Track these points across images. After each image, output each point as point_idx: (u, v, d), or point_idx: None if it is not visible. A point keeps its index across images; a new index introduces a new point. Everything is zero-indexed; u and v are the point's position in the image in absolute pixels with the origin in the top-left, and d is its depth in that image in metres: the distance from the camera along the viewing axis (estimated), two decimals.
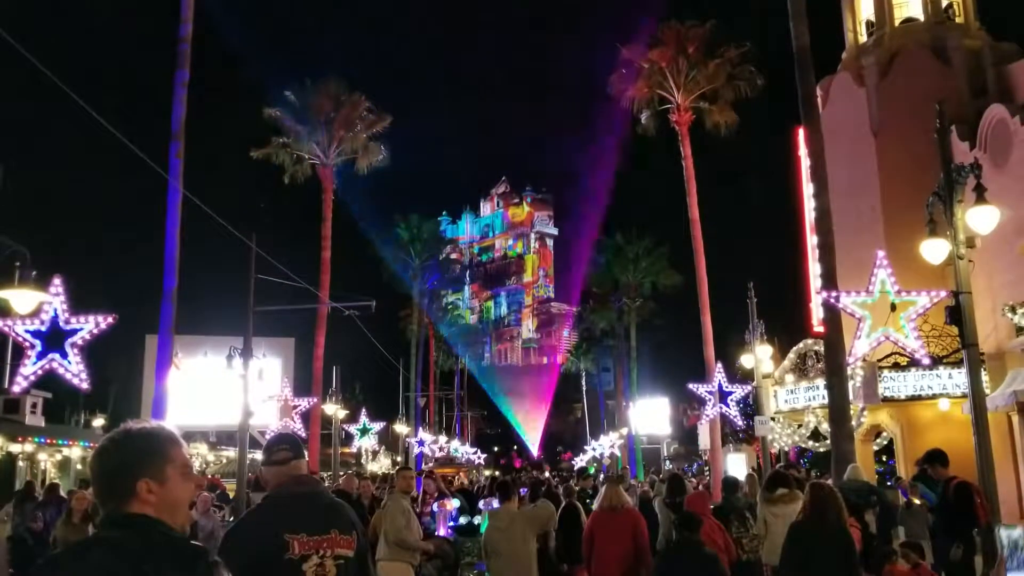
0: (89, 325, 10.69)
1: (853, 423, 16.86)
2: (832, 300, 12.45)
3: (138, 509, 2.31)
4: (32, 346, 10.52)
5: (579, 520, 10.67)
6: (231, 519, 15.77)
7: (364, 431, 32.34)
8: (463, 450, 64.13)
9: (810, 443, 24.51)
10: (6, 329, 10.75)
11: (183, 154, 16.47)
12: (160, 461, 2.37)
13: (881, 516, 12.23)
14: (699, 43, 29.27)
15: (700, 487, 25.27)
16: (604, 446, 60.83)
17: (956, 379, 20.08)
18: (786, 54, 15.77)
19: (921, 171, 15.57)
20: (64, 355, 10.59)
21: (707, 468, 34.62)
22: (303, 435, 28.49)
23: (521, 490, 12.81)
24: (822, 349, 18.19)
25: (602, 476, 21.67)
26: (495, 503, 11.41)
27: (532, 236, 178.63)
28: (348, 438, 38.15)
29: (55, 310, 10.59)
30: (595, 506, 9.28)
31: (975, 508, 9.33)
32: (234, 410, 21.27)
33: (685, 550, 6.96)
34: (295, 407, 26.12)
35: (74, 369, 10.64)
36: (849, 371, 16.77)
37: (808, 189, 22.97)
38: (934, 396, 21.02)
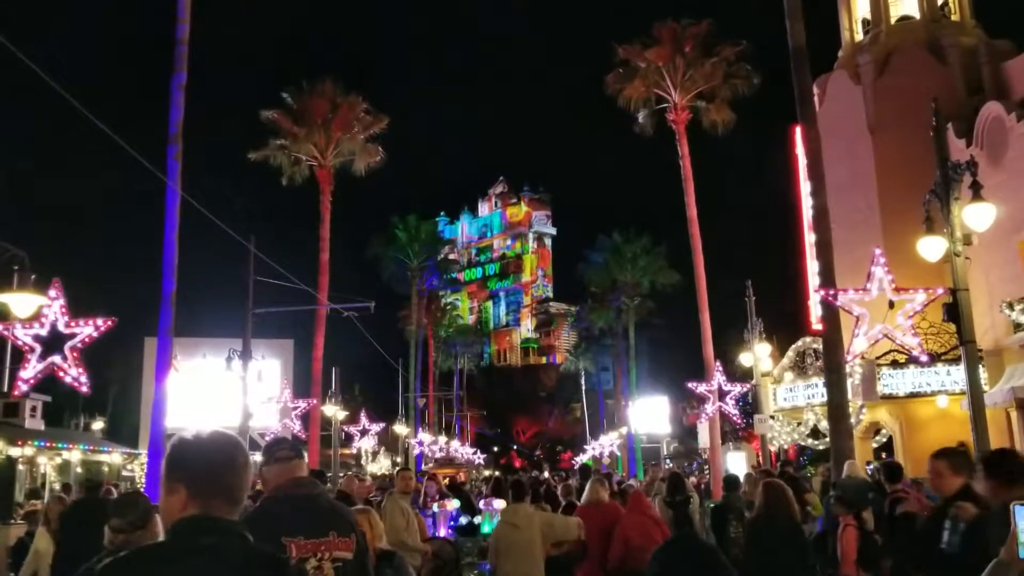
0: (88, 328, 10.70)
1: (852, 420, 16.88)
2: (830, 298, 12.48)
3: (232, 516, 2.23)
4: (31, 349, 10.53)
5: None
6: None
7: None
8: (463, 450, 64.15)
9: (809, 441, 24.54)
10: (5, 333, 10.77)
11: (181, 156, 16.46)
12: None
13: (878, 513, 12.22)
14: (696, 42, 29.30)
15: (701, 485, 25.42)
16: (604, 445, 60.86)
17: (954, 376, 20.12)
18: (783, 53, 15.81)
19: (918, 168, 15.61)
20: (63, 358, 10.60)
21: (707, 466, 34.63)
22: (303, 436, 28.53)
23: None
24: (821, 347, 18.22)
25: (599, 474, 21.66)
26: (495, 503, 11.42)
27: (530, 236, 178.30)
28: (347, 439, 38.16)
29: (54, 313, 10.60)
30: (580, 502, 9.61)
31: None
32: (234, 412, 21.29)
33: (683, 544, 7.01)
34: (295, 408, 26.16)
35: (73, 372, 10.65)
36: (848, 368, 16.81)
37: (805, 187, 23.00)
38: (933, 393, 21.05)
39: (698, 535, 7.38)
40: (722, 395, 23.37)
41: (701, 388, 24.09)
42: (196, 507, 2.18)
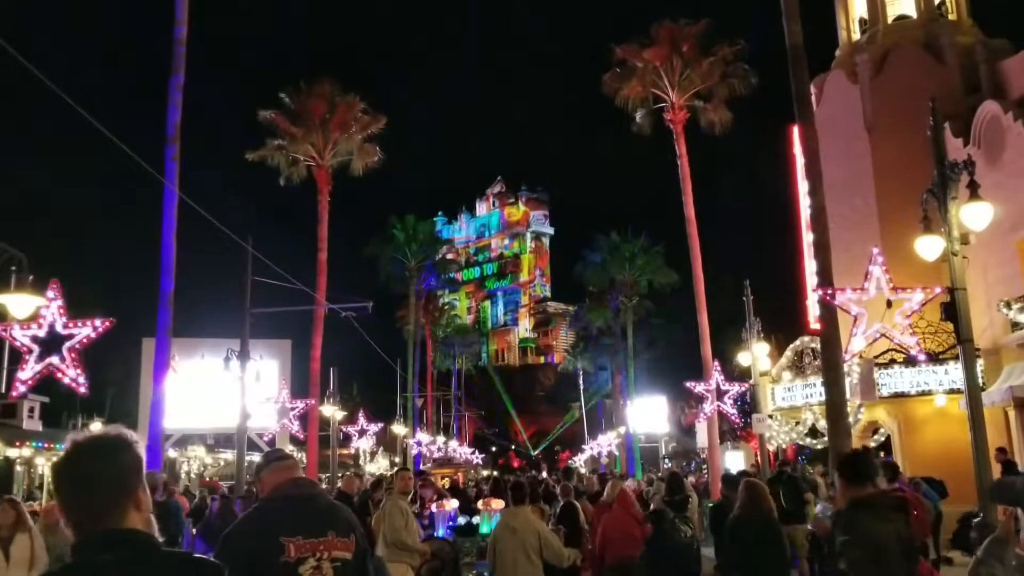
0: (86, 329, 10.70)
1: (850, 420, 16.90)
2: (828, 297, 12.50)
3: (134, 524, 2.14)
4: (29, 350, 10.53)
5: (577, 518, 10.78)
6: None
7: None
8: (461, 450, 64.16)
9: (808, 440, 24.54)
10: (3, 334, 10.78)
11: (179, 157, 16.46)
12: (142, 467, 2.25)
13: None
14: (693, 42, 29.31)
15: (700, 485, 25.45)
16: (602, 445, 60.88)
17: (952, 375, 20.14)
18: (780, 52, 15.82)
19: (915, 168, 15.64)
20: (61, 359, 10.59)
21: (705, 466, 34.67)
22: (301, 437, 28.55)
23: None
24: (819, 346, 18.22)
25: (596, 475, 21.75)
26: (494, 503, 11.43)
27: (528, 235, 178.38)
28: (346, 439, 38.15)
29: (52, 314, 10.59)
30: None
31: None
32: (232, 412, 21.29)
33: (665, 539, 7.95)
34: (293, 409, 26.15)
35: (71, 373, 10.65)
36: (846, 368, 16.81)
37: (803, 187, 23.02)
38: (931, 392, 21.07)
39: (675, 531, 8.31)
40: (720, 395, 23.38)
41: (699, 388, 24.10)
42: (87, 523, 2.12)
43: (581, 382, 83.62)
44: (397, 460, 46.26)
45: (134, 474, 2.19)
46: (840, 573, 4.62)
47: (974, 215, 10.11)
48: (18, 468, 23.92)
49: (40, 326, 10.57)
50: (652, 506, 12.76)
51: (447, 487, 20.38)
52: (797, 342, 24.77)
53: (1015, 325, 19.49)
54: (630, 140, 31.80)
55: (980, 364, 18.88)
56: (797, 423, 24.54)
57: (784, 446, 26.66)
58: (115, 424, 2.38)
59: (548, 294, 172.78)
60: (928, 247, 10.52)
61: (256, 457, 26.94)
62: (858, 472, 4.78)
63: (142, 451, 2.26)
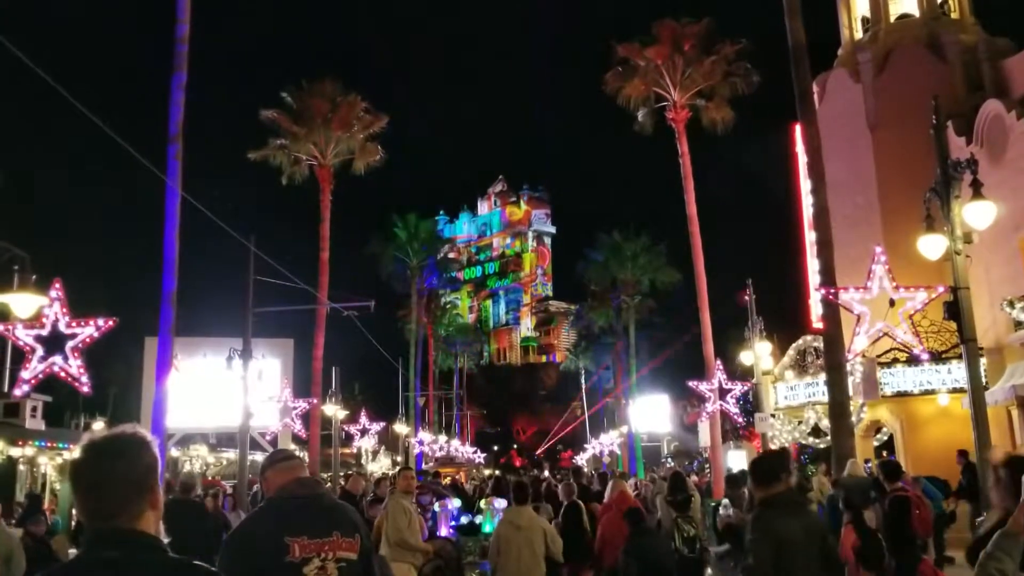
0: (89, 329, 10.71)
1: (853, 419, 16.89)
2: (831, 296, 12.50)
3: (148, 523, 2.15)
4: (32, 350, 10.54)
5: (581, 519, 10.77)
6: None
7: None
8: (463, 450, 64.16)
9: (810, 439, 24.52)
10: (6, 333, 10.78)
11: (181, 156, 16.43)
12: (158, 466, 2.24)
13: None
14: (695, 40, 29.27)
15: (702, 485, 25.43)
16: (604, 444, 60.88)
17: (955, 374, 20.11)
18: (782, 51, 15.82)
19: (918, 166, 15.61)
20: (64, 358, 10.61)
21: (707, 465, 34.64)
22: (303, 436, 28.56)
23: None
24: (821, 345, 18.22)
25: (595, 474, 21.79)
26: (497, 502, 11.43)
27: (530, 234, 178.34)
28: (348, 438, 38.18)
29: (55, 314, 10.61)
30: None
31: (910, 523, 9.28)
32: (234, 411, 21.32)
33: (645, 539, 8.26)
34: (295, 408, 26.17)
35: (74, 372, 10.66)
36: (848, 367, 16.80)
37: (805, 185, 23.01)
38: (934, 391, 21.05)
39: (653, 530, 9.15)
40: (723, 394, 23.38)
41: (702, 387, 24.10)
42: (98, 521, 2.13)
43: (583, 381, 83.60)
44: (399, 459, 46.27)
45: (151, 473, 2.20)
46: (747, 568, 4.76)
47: (977, 214, 10.10)
48: (21, 467, 23.94)
49: (43, 325, 10.59)
50: (637, 505, 12.82)
51: (447, 485, 20.37)
52: (800, 341, 24.75)
53: (1018, 324, 19.47)
54: (632, 139, 31.77)
55: (983, 363, 18.84)
56: (800, 422, 24.52)
57: (787, 445, 26.63)
58: (131, 423, 2.38)
59: (550, 293, 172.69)
60: (931, 246, 10.51)
61: (258, 456, 26.96)
62: (767, 473, 4.99)
63: (157, 450, 2.26)
